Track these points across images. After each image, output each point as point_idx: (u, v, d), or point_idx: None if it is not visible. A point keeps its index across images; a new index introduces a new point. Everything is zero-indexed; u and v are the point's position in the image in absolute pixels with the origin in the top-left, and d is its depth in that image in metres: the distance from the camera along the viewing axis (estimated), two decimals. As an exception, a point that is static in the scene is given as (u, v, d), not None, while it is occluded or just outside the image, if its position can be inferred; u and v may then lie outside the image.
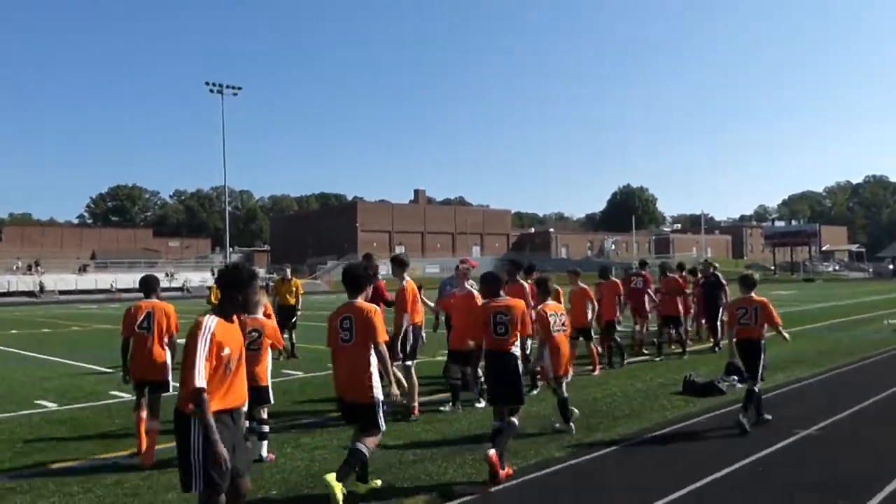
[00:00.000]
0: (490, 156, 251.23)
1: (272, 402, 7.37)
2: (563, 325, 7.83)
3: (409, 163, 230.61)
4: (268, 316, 9.89)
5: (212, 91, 73.90)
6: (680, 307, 14.98)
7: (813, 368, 12.41)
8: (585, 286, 12.70)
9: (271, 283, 16.92)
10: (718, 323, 15.50)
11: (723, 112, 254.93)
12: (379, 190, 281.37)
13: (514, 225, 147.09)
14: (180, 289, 68.51)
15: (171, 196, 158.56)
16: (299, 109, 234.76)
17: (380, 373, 5.81)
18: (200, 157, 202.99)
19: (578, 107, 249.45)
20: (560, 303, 8.47)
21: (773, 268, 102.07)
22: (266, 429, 7.27)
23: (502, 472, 6.16)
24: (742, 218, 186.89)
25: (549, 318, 7.69)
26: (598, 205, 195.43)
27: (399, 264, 9.31)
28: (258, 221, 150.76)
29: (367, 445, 5.70)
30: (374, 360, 5.77)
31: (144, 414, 7.35)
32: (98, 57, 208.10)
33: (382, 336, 5.79)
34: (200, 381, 4.09)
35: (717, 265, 17.07)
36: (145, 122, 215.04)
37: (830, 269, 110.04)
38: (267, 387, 7.21)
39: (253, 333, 7.18)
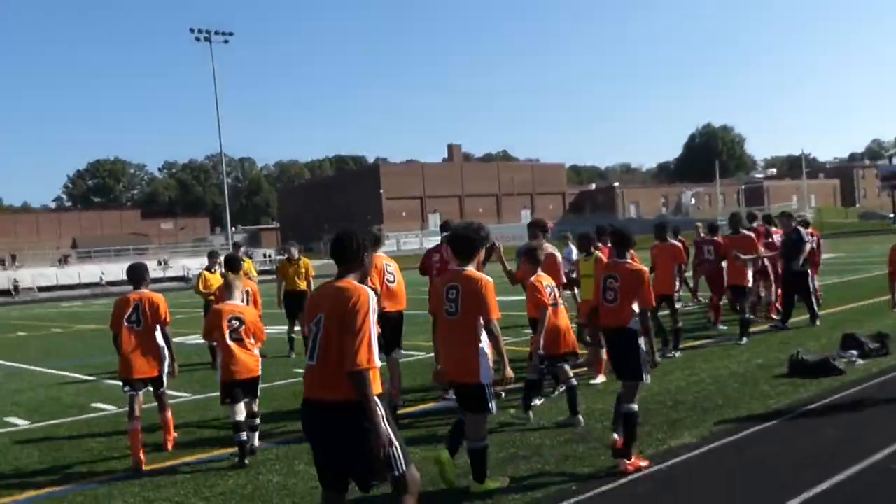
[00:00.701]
0: (537, 101, 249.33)
1: (260, 395, 8.04)
2: (557, 298, 8.48)
3: (440, 115, 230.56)
4: (254, 303, 9.91)
5: (198, 39, 74.26)
6: (748, 274, 13.47)
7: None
8: (676, 242, 13.28)
9: (278, 265, 16.81)
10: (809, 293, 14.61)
11: (822, 30, 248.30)
12: (406, 149, 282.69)
13: (571, 181, 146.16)
14: (181, 278, 69.25)
15: (160, 169, 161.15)
16: (305, 58, 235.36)
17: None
18: (191, 121, 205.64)
19: (641, 35, 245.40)
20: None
21: (892, 215, 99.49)
22: (258, 421, 7.96)
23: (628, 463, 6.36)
24: (852, 157, 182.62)
25: (546, 290, 8.27)
26: (673, 151, 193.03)
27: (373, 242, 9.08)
28: (263, 194, 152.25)
29: (481, 436, 6.06)
30: (483, 336, 5.96)
31: (139, 424, 7.75)
32: (62, 7, 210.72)
33: (495, 312, 5.96)
34: (378, 361, 4.34)
35: (800, 215, 16.45)
36: (124, 85, 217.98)
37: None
38: (258, 378, 7.85)
39: (234, 321, 7.70)
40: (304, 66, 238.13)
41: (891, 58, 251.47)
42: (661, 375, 10.28)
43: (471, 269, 6.09)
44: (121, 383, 8.11)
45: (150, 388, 8.10)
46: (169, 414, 8.34)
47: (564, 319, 8.46)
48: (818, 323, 14.20)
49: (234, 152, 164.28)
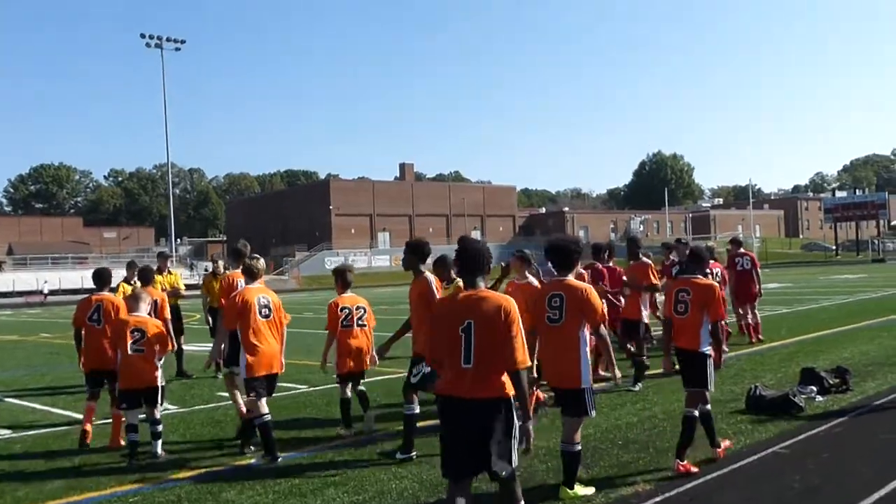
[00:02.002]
0: (490, 124, 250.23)
1: (162, 403, 8.56)
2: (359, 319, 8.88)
3: (393, 134, 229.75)
4: (160, 313, 9.98)
5: (148, 45, 72.93)
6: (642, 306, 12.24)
7: (914, 372, 11.35)
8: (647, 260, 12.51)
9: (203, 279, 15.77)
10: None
11: (769, 65, 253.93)
12: (357, 166, 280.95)
13: (522, 204, 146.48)
14: (113, 289, 66.99)
15: (106, 177, 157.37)
16: (258, 70, 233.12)
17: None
18: (141, 130, 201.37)
19: (593, 62, 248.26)
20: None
21: (834, 247, 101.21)
22: (160, 428, 8.30)
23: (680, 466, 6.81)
24: (796, 189, 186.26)
25: (340, 312, 8.83)
26: (622, 178, 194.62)
27: (235, 255, 9.63)
28: (212, 206, 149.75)
29: (576, 441, 6.25)
30: (584, 342, 6.25)
31: (94, 404, 8.87)
32: (11, 5, 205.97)
33: (602, 317, 6.31)
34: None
35: (709, 246, 16.11)
36: (72, 88, 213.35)
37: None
38: (157, 388, 8.33)
39: (135, 333, 8.24)
40: (258, 79, 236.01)
41: (834, 94, 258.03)
42: (608, 410, 9.56)
43: (572, 279, 6.41)
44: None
45: (107, 382, 8.92)
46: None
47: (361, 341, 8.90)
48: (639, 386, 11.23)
49: (184, 163, 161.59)
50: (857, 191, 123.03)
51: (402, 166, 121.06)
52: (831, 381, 10.14)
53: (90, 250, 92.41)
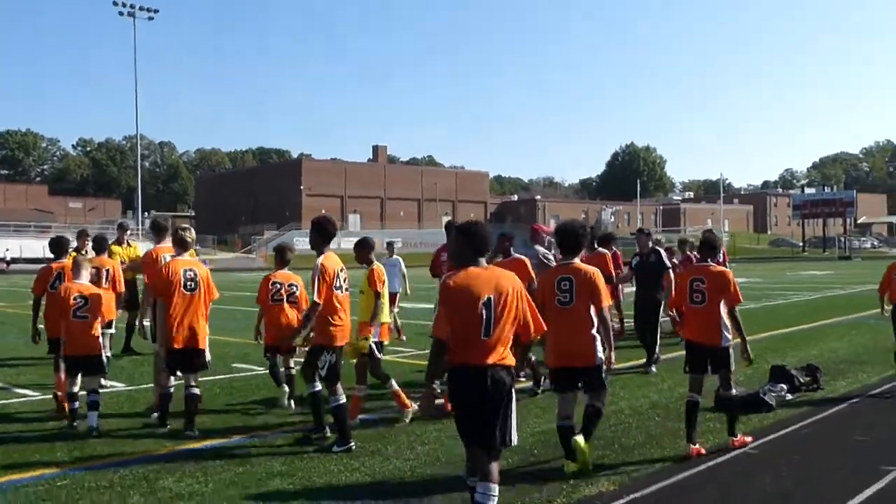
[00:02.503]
0: (465, 109, 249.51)
1: (107, 371, 8.71)
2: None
3: (368, 115, 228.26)
4: (115, 289, 10.34)
5: (121, 14, 71.41)
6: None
7: (883, 371, 11.10)
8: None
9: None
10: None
11: (742, 61, 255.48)
12: (331, 146, 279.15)
13: (494, 191, 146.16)
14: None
15: (74, 146, 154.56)
16: (233, 43, 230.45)
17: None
18: (111, 100, 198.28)
19: (571, 54, 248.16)
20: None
21: (801, 243, 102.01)
22: (99, 399, 8.06)
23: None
24: (765, 185, 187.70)
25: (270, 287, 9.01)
26: (595, 168, 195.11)
27: (156, 230, 9.24)
28: (182, 181, 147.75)
29: (602, 402, 6.79)
30: (593, 322, 6.50)
31: (63, 374, 8.36)
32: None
33: (607, 300, 6.58)
34: None
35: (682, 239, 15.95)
36: (42, 53, 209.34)
37: (868, 244, 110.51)
38: (99, 356, 8.23)
39: (78, 300, 8.10)
40: (233, 55, 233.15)
41: (805, 92, 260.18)
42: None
43: (578, 262, 6.66)
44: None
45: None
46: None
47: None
48: (654, 369, 11.38)
49: (155, 135, 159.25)
50: (825, 188, 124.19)
51: (376, 148, 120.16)
52: (802, 380, 9.89)
53: (54, 219, 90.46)
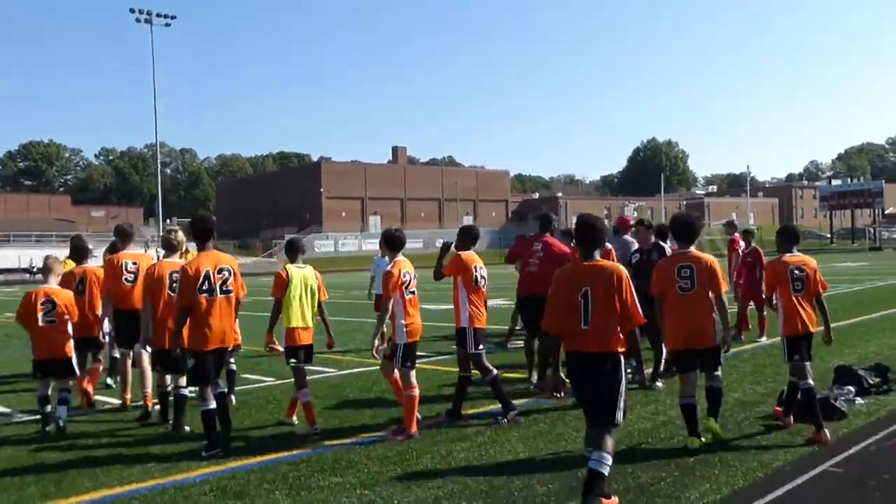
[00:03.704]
0: (485, 109, 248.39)
1: (78, 374, 8.64)
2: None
3: (388, 118, 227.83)
4: (90, 289, 9.74)
5: (138, 20, 70.95)
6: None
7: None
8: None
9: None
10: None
11: (764, 53, 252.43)
12: (351, 149, 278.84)
13: (515, 189, 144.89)
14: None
15: (96, 156, 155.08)
16: (253, 49, 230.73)
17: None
18: (133, 108, 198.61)
19: (591, 50, 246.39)
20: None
21: (829, 235, 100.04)
22: (69, 395, 8.28)
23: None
24: (790, 177, 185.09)
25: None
26: (617, 165, 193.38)
27: (121, 236, 9.61)
28: (203, 186, 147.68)
29: (720, 381, 7.25)
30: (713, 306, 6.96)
31: (96, 366, 9.72)
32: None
33: (725, 286, 6.99)
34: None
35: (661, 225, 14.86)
36: (62, 63, 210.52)
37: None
38: (69, 360, 8.28)
39: (46, 305, 8.17)
40: (251, 60, 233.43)
41: (829, 83, 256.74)
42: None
43: (695, 250, 7.08)
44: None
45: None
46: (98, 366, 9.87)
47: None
48: (660, 384, 9.64)
49: (176, 143, 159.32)
50: (851, 179, 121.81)
51: (395, 150, 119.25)
52: (871, 381, 8.83)
53: (76, 228, 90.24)
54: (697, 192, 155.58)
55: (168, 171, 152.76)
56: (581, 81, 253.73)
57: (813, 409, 7.00)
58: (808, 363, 7.30)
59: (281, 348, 8.04)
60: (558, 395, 8.04)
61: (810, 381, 7.16)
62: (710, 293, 6.89)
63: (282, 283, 7.99)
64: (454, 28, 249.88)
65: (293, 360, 8.01)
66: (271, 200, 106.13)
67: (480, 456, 6.81)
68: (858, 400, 8.34)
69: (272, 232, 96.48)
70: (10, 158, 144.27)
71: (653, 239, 10.49)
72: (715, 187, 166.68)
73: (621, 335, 5.32)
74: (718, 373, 7.14)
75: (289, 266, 8.18)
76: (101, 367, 9.97)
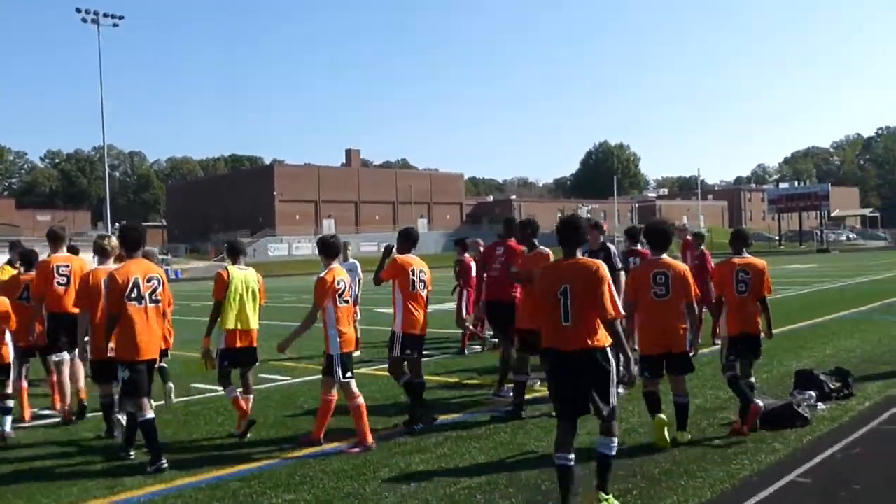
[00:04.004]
0: (439, 112, 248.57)
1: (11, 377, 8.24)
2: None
3: (341, 121, 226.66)
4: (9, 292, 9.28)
5: (84, 20, 69.37)
6: None
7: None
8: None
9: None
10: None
11: (712, 56, 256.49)
12: (304, 152, 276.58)
13: (469, 192, 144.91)
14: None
15: (42, 158, 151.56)
16: (203, 48, 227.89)
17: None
18: (79, 110, 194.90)
19: (541, 51, 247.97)
20: None
21: (777, 237, 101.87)
22: (10, 404, 8.09)
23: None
24: (738, 180, 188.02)
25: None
26: (570, 167, 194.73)
27: (53, 239, 9.31)
28: (153, 189, 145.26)
29: (686, 392, 7.36)
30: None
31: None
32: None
33: (695, 293, 7.20)
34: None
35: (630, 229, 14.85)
36: (5, 64, 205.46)
37: (843, 237, 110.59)
38: (8, 365, 8.07)
39: None
40: (203, 61, 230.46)
41: (776, 87, 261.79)
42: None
43: (668, 258, 7.29)
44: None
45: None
46: (54, 378, 9.03)
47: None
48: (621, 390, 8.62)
49: (124, 145, 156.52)
50: (798, 182, 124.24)
51: (349, 152, 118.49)
52: (832, 385, 8.77)
53: (20, 233, 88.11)
54: (649, 194, 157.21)
55: (117, 173, 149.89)
56: (534, 84, 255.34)
57: (744, 397, 7.39)
58: (737, 362, 7.60)
59: (215, 359, 7.94)
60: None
61: (737, 373, 7.53)
62: (682, 300, 7.09)
63: (223, 284, 7.88)
64: (407, 30, 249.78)
65: (226, 363, 7.88)
66: (223, 204, 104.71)
67: (440, 468, 6.58)
68: (820, 405, 8.28)
69: (224, 235, 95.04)
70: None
71: (601, 240, 10.39)
72: (666, 190, 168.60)
73: (603, 330, 5.39)
74: (685, 384, 7.31)
75: (230, 267, 8.08)
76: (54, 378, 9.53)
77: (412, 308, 8.03)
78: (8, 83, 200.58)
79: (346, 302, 7.48)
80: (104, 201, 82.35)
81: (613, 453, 5.45)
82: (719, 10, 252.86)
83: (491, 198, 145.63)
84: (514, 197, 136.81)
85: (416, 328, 8.07)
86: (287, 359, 9.34)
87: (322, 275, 7.42)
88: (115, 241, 8.21)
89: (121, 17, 72.29)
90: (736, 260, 7.79)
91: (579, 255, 5.63)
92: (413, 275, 8.07)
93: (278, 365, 11.76)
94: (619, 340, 5.32)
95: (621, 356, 5.34)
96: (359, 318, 11.99)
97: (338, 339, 7.33)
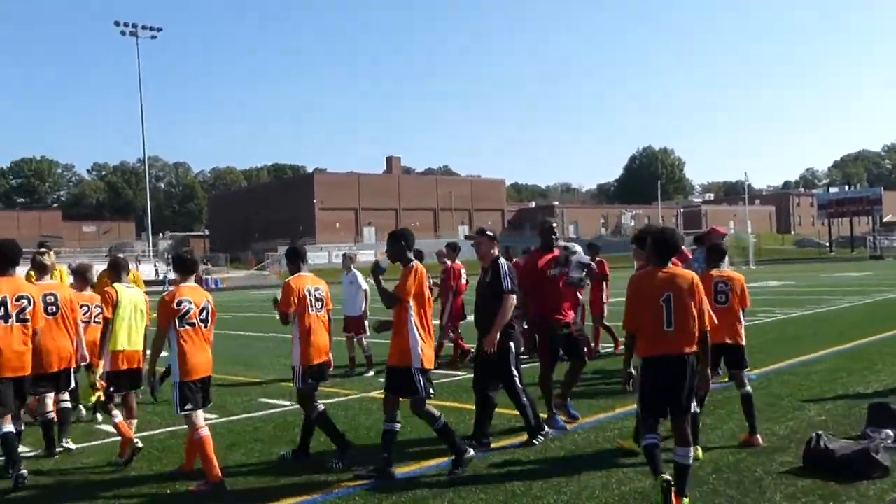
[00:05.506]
0: (481, 120, 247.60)
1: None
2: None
3: (384, 129, 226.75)
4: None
5: (123, 33, 70.03)
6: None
7: None
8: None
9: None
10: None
11: (760, 60, 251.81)
12: (346, 160, 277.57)
13: (511, 198, 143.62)
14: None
15: (89, 171, 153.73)
16: (246, 60, 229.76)
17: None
18: (125, 122, 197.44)
19: (587, 57, 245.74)
20: None
21: (828, 243, 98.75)
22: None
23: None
24: (786, 184, 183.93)
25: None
26: (613, 173, 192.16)
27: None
28: (198, 200, 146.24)
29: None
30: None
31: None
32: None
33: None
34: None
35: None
36: (54, 79, 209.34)
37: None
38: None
39: None
40: (244, 72, 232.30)
41: (825, 90, 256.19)
42: (609, 463, 6.71)
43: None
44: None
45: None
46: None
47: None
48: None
49: (169, 157, 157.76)
50: (848, 186, 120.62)
51: (389, 159, 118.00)
52: (914, 422, 7.32)
53: (63, 244, 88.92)
54: (694, 199, 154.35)
55: (162, 184, 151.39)
56: (577, 89, 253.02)
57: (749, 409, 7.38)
58: (720, 370, 7.82)
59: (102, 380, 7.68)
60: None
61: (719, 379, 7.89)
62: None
63: (112, 303, 7.57)
64: (450, 37, 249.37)
65: (112, 389, 7.56)
66: (264, 213, 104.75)
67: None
68: (900, 446, 6.87)
69: (264, 244, 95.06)
70: (1, 175, 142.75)
71: (495, 252, 8.01)
72: (712, 195, 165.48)
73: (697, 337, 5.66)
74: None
75: (117, 285, 7.79)
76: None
77: (308, 335, 7.32)
78: (57, 97, 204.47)
79: (193, 325, 6.65)
80: (151, 212, 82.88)
81: (690, 463, 5.63)
82: (770, 12, 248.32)
83: (533, 204, 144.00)
84: (556, 203, 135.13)
85: (318, 356, 7.37)
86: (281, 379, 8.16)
87: (164, 294, 6.85)
88: (52, 256, 8.16)
89: (159, 30, 73.01)
90: (714, 272, 7.71)
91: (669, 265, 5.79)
92: (309, 294, 7.40)
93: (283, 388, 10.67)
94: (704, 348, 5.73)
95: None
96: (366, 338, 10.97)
97: (177, 368, 6.56)
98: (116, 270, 8.05)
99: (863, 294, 26.46)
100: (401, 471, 6.75)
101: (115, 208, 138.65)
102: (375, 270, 6.80)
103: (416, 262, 6.85)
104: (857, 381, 10.20)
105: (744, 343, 7.60)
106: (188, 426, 6.68)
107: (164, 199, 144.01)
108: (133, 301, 7.73)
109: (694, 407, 6.30)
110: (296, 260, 7.66)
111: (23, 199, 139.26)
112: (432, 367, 6.81)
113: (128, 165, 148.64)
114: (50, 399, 7.76)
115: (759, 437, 7.22)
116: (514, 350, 7.68)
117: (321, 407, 7.45)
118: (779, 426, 7.88)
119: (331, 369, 7.76)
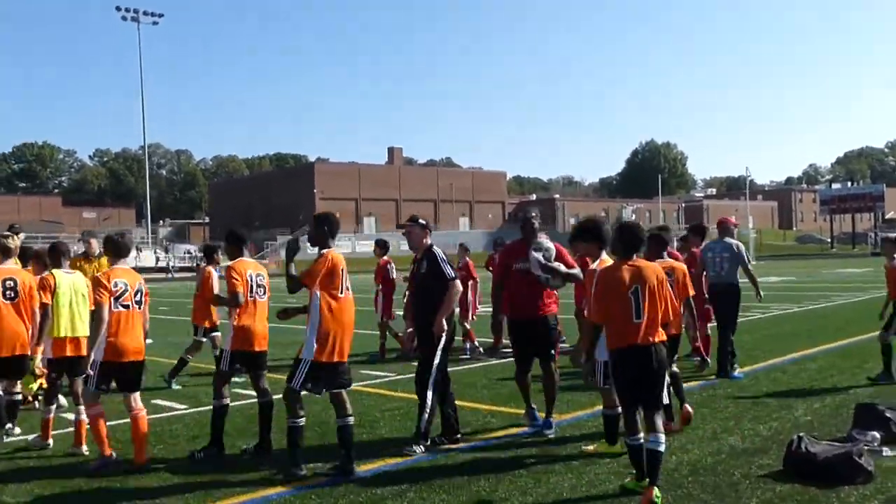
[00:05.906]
0: (483, 112, 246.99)
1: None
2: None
3: (386, 120, 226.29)
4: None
5: (124, 19, 69.58)
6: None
7: None
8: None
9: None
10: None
11: (763, 55, 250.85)
12: (348, 150, 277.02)
13: (514, 191, 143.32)
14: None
15: (91, 157, 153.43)
16: (250, 49, 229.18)
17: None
18: (126, 109, 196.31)
19: (590, 51, 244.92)
20: None
21: (829, 239, 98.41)
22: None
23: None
24: (789, 180, 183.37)
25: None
26: (615, 167, 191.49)
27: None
28: (199, 188, 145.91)
29: None
30: None
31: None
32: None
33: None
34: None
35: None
36: (56, 64, 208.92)
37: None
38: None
39: None
40: (250, 60, 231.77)
41: (829, 85, 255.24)
42: (580, 464, 6.42)
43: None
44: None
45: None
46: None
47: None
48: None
49: (171, 144, 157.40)
50: (851, 183, 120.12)
51: (391, 150, 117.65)
52: (901, 423, 7.02)
53: (63, 230, 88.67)
54: (696, 194, 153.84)
55: (163, 172, 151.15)
56: (580, 82, 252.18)
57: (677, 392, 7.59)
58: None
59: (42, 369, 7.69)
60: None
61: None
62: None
63: (49, 288, 7.47)
64: (450, 37, 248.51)
65: (54, 375, 7.47)
66: (264, 202, 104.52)
67: None
68: (886, 451, 6.55)
69: (265, 233, 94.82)
70: (3, 160, 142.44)
71: (427, 242, 7.75)
72: (714, 190, 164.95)
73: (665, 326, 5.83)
74: None
75: (55, 271, 7.66)
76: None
77: (244, 319, 7.08)
78: (59, 83, 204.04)
79: (127, 307, 6.68)
80: (151, 198, 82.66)
81: (662, 449, 5.55)
82: (765, 11, 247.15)
83: (534, 196, 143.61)
84: (557, 196, 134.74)
85: (249, 344, 7.10)
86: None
87: (98, 275, 6.93)
88: (17, 240, 7.99)
89: (160, 15, 72.56)
90: (657, 262, 7.08)
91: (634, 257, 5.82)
92: (251, 280, 7.19)
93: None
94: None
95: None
96: None
97: (102, 347, 6.57)
98: (56, 255, 7.85)
99: (860, 290, 26.22)
100: (363, 468, 6.47)
101: (116, 195, 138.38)
102: (289, 250, 6.62)
103: (330, 251, 6.49)
104: (847, 379, 9.93)
105: (681, 333, 7.64)
106: (87, 401, 6.77)
107: (165, 187, 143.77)
108: (73, 286, 7.61)
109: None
110: (238, 244, 7.40)
111: (24, 184, 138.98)
112: (337, 361, 6.35)
113: (130, 152, 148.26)
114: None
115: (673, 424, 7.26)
116: (444, 343, 7.13)
117: (227, 401, 7.18)
118: (762, 426, 7.59)
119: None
